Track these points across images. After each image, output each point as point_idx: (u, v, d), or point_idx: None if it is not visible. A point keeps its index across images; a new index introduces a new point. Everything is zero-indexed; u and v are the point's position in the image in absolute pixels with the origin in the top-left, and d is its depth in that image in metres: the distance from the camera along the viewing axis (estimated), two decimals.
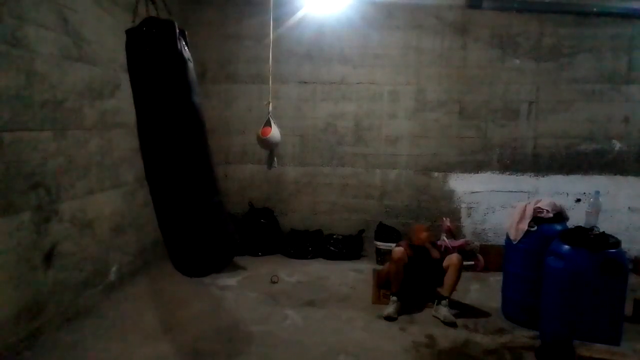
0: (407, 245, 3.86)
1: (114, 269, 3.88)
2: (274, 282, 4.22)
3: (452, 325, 3.37)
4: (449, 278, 3.60)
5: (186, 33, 2.51)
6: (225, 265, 2.96)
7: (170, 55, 2.35)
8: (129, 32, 2.40)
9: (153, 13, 2.49)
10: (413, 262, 3.78)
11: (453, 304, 3.64)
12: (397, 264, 3.61)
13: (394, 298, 3.59)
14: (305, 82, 5.20)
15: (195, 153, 2.50)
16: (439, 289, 3.64)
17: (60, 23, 3.13)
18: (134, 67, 2.43)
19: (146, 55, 2.34)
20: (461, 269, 3.63)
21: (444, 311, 3.47)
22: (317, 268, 4.73)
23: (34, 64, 2.89)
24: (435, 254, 3.92)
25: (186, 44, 2.48)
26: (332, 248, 5.04)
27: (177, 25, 2.40)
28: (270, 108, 4.18)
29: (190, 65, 2.46)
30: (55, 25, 3.08)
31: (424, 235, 3.92)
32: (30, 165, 2.89)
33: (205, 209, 2.49)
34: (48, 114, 3.03)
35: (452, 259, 3.65)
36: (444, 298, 3.55)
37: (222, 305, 3.72)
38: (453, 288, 3.63)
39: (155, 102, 2.39)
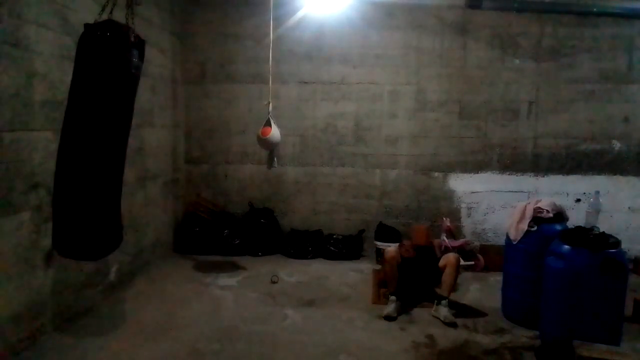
0: (411, 245, 3.86)
1: (114, 269, 3.88)
2: (274, 282, 4.21)
3: (453, 325, 3.37)
4: (447, 277, 3.60)
5: (145, 44, 2.51)
6: (104, 254, 2.83)
7: (115, 63, 2.35)
8: (87, 27, 2.38)
9: (139, 12, 2.47)
10: (416, 263, 3.78)
11: (452, 304, 3.63)
12: (390, 263, 3.63)
13: (393, 298, 3.59)
14: (305, 82, 5.20)
15: (113, 155, 2.49)
16: (437, 289, 3.64)
17: (60, 23, 3.12)
18: (79, 63, 2.41)
19: (92, 57, 2.34)
20: (459, 267, 3.64)
21: (444, 311, 3.46)
22: (317, 268, 4.73)
23: (34, 64, 2.89)
24: (439, 254, 3.94)
25: (141, 54, 2.47)
26: (332, 248, 5.04)
27: (133, 35, 2.38)
28: (270, 108, 4.18)
29: (135, 77, 2.46)
30: (55, 25, 3.07)
31: (423, 238, 3.94)
32: (30, 165, 2.89)
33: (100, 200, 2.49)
34: (48, 114, 3.03)
35: (450, 258, 3.65)
36: (444, 298, 3.54)
37: (222, 305, 3.72)
38: (452, 287, 3.63)
39: (87, 105, 2.37)
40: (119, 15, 2.50)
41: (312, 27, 5.05)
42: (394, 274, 3.64)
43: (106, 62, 2.34)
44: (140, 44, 2.46)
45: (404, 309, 3.60)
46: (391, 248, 3.77)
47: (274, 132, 4.16)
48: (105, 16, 2.44)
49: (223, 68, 5.25)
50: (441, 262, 3.69)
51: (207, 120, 5.33)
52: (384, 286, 3.85)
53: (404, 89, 5.10)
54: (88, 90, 2.37)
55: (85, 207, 2.44)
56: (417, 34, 5.01)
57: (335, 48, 5.11)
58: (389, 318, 3.46)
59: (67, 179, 2.45)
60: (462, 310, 3.66)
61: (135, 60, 2.43)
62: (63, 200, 2.46)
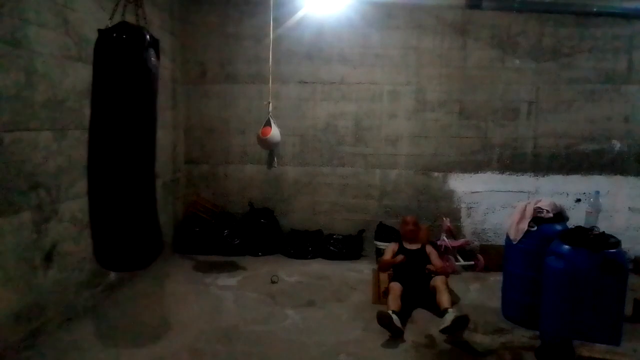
0: (399, 246, 4.03)
1: None
2: (274, 282, 4.22)
3: (465, 319, 3.13)
4: (442, 296, 3.43)
5: (159, 42, 2.51)
6: (147, 264, 2.85)
7: (135, 63, 2.35)
8: (101, 32, 2.39)
9: (134, 16, 2.48)
10: (405, 266, 3.84)
11: (453, 304, 3.62)
12: (394, 294, 3.52)
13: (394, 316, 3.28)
14: (305, 82, 5.20)
15: (141, 161, 2.48)
16: (439, 307, 3.40)
17: (60, 23, 3.13)
18: (98, 67, 2.41)
19: (111, 60, 2.34)
20: (446, 282, 3.65)
21: (451, 316, 3.18)
22: (317, 268, 4.73)
23: (34, 64, 2.89)
24: (434, 257, 3.98)
25: (157, 53, 2.47)
26: (332, 248, 5.04)
27: (148, 35, 2.39)
28: (270, 108, 4.18)
29: (154, 76, 2.46)
30: (55, 25, 3.08)
31: (409, 230, 4.09)
32: (30, 165, 2.89)
33: (137, 210, 2.48)
34: (48, 114, 3.03)
35: (436, 281, 3.61)
36: (448, 309, 3.30)
37: (222, 305, 3.72)
38: (451, 300, 3.45)
39: (111, 107, 2.38)
40: (116, 18, 2.49)
41: (312, 27, 5.05)
42: (398, 301, 3.45)
43: (126, 63, 2.34)
44: (155, 43, 2.47)
45: (405, 320, 3.45)
46: (395, 285, 3.61)
47: (274, 132, 4.17)
48: (116, 19, 2.44)
49: (223, 68, 5.25)
50: (431, 283, 3.64)
51: (207, 120, 5.33)
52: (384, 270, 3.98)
53: (404, 89, 5.10)
54: (111, 94, 2.37)
55: (128, 212, 2.43)
56: (417, 34, 5.01)
57: (335, 48, 5.11)
58: (396, 331, 3.19)
59: (102, 187, 2.44)
60: (462, 311, 3.65)
61: (153, 59, 2.44)
62: (102, 209, 2.45)
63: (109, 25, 2.38)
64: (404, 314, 3.46)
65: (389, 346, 3.10)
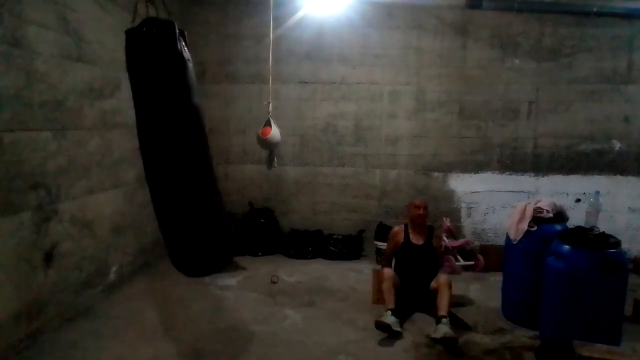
0: (404, 238, 3.77)
1: (114, 269, 3.88)
2: (274, 282, 4.21)
3: (453, 340, 3.07)
4: (442, 299, 3.36)
5: (185, 34, 2.51)
6: (225, 264, 2.95)
7: (171, 55, 2.35)
8: (128, 33, 2.40)
9: (152, 13, 2.49)
10: (408, 263, 3.73)
11: (453, 304, 3.62)
12: (388, 283, 3.47)
13: (390, 314, 3.29)
14: (305, 82, 5.20)
15: (195, 153, 2.50)
16: (436, 311, 3.36)
17: (60, 23, 3.13)
18: (133, 67, 2.43)
19: (146, 56, 2.34)
20: (450, 287, 3.44)
21: (443, 329, 3.14)
22: (317, 268, 4.73)
23: (34, 64, 2.89)
24: (436, 242, 3.82)
25: (186, 44, 2.47)
26: (332, 248, 5.05)
27: (176, 26, 2.39)
28: (270, 108, 4.18)
29: (190, 65, 2.46)
30: (55, 25, 3.08)
31: (418, 215, 3.76)
32: (30, 165, 2.89)
33: (206, 208, 2.49)
34: (48, 114, 3.03)
35: (440, 280, 3.48)
36: (443, 317, 3.25)
37: (222, 305, 3.72)
38: (449, 307, 3.37)
39: (155, 102, 2.39)
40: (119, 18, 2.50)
41: (312, 27, 5.05)
42: (392, 294, 3.43)
43: (161, 56, 2.33)
44: (183, 34, 2.46)
45: (403, 318, 3.44)
46: (389, 271, 3.59)
47: (274, 132, 4.16)
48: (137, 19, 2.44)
49: (223, 68, 5.25)
50: (433, 284, 3.54)
51: (207, 120, 5.30)
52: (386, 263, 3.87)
53: (404, 89, 5.10)
54: (153, 89, 2.37)
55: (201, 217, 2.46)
56: (417, 34, 5.01)
57: (335, 48, 5.11)
58: (394, 333, 3.18)
59: (166, 185, 2.46)
60: (462, 311, 3.66)
61: (185, 49, 2.44)
62: (168, 215, 2.48)
63: (134, 25, 2.38)
64: (402, 312, 3.43)
65: (389, 346, 3.10)
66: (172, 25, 2.37)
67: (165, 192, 2.47)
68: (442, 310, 3.30)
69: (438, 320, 3.24)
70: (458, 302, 3.79)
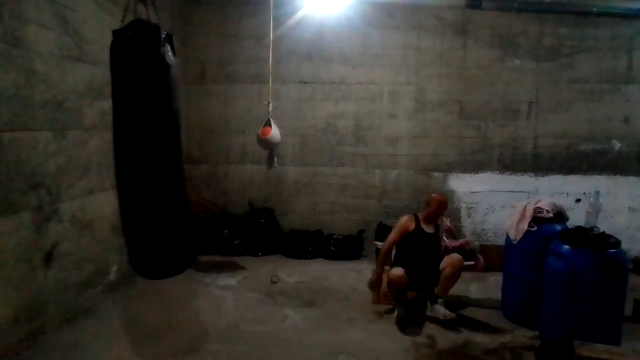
0: (415, 226, 3.64)
1: (114, 269, 3.88)
2: (274, 282, 4.21)
3: (453, 321, 3.22)
4: (448, 280, 3.44)
5: (173, 38, 2.51)
6: (185, 267, 2.84)
7: (153, 60, 2.34)
8: (115, 33, 2.39)
9: (149, 13, 2.47)
10: (416, 251, 3.62)
11: (453, 304, 3.63)
12: (396, 287, 3.43)
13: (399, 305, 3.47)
14: (305, 82, 5.20)
15: (167, 158, 2.47)
16: (435, 289, 3.49)
17: (60, 23, 3.13)
18: (116, 68, 2.42)
19: (129, 58, 2.34)
20: (461, 270, 3.49)
21: (441, 309, 3.39)
22: (317, 268, 4.73)
23: (34, 64, 2.89)
24: (441, 234, 3.80)
25: (172, 49, 2.47)
26: (332, 248, 5.04)
27: (162, 30, 2.38)
28: (270, 108, 4.18)
29: (173, 71, 2.45)
30: (55, 25, 3.08)
31: (439, 213, 3.67)
32: (30, 165, 2.89)
33: (172, 212, 2.46)
34: (48, 114, 3.03)
35: (454, 259, 3.46)
36: (440, 297, 3.45)
37: (222, 305, 3.72)
38: (449, 290, 3.49)
39: (133, 105, 2.37)
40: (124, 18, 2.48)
41: (312, 27, 5.05)
42: (401, 292, 3.46)
43: (145, 60, 2.34)
44: (170, 39, 2.46)
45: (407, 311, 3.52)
46: (397, 271, 3.42)
47: (274, 132, 4.16)
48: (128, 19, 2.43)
49: (223, 68, 5.25)
50: (443, 263, 3.50)
51: (207, 120, 5.33)
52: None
53: (404, 89, 5.10)
54: (132, 92, 2.38)
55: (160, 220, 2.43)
56: (417, 34, 5.01)
57: (335, 48, 5.11)
58: (401, 320, 3.37)
59: (133, 190, 2.44)
60: (462, 310, 3.66)
61: (170, 54, 2.44)
62: (133, 216, 2.45)
63: (123, 25, 2.38)
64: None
65: (389, 346, 3.10)
66: (157, 29, 2.36)
67: (134, 194, 2.44)
68: (442, 291, 3.46)
69: (434, 300, 3.42)
70: (458, 302, 3.79)
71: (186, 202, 2.63)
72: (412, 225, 3.66)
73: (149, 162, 2.39)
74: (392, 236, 3.69)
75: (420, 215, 3.72)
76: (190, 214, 2.66)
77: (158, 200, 2.41)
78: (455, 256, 3.53)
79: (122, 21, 2.40)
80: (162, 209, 2.43)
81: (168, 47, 2.43)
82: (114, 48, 2.41)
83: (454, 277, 3.47)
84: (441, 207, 3.70)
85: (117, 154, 2.48)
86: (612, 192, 4.92)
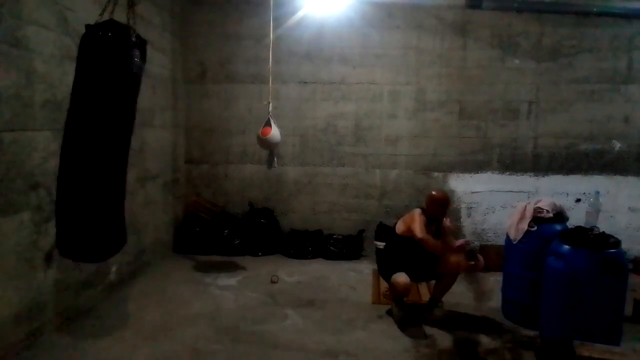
0: (423, 215, 3.49)
1: (114, 269, 3.88)
2: (274, 282, 4.22)
3: (453, 321, 3.27)
4: (448, 280, 3.46)
5: (147, 43, 2.50)
6: (112, 254, 2.76)
7: (117, 63, 2.33)
8: (88, 28, 2.37)
9: (141, 12, 2.45)
10: (416, 251, 3.50)
11: (453, 305, 3.63)
12: (401, 293, 3.41)
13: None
14: (305, 82, 5.20)
15: (114, 155, 2.47)
16: (433, 291, 3.52)
17: (60, 23, 3.12)
18: (81, 64, 2.40)
19: (94, 56, 2.33)
20: (459, 272, 3.42)
21: (440, 310, 3.44)
22: (317, 268, 4.73)
23: (34, 64, 2.88)
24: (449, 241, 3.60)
25: (143, 54, 2.46)
26: (332, 248, 5.04)
27: (134, 34, 2.37)
28: (270, 108, 4.18)
29: (136, 76, 2.44)
30: (55, 25, 3.07)
31: (441, 212, 3.52)
32: (30, 165, 2.89)
33: (110, 205, 2.48)
34: (48, 114, 3.03)
35: (460, 261, 3.32)
36: (438, 301, 3.52)
37: (222, 305, 3.72)
38: (447, 290, 3.52)
39: (89, 102, 2.36)
40: (120, 16, 2.49)
41: (312, 27, 5.05)
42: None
43: (108, 61, 2.33)
44: (141, 44, 2.45)
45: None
46: (401, 277, 3.36)
47: (274, 132, 4.17)
48: (106, 17, 2.43)
49: (223, 68, 5.26)
50: (443, 263, 3.43)
51: (207, 120, 5.33)
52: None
53: (404, 89, 5.10)
54: (90, 90, 2.37)
55: (88, 207, 2.42)
56: (417, 34, 5.02)
57: (335, 48, 5.12)
58: (402, 320, 3.40)
59: (70, 179, 2.43)
60: (462, 310, 3.66)
61: (137, 60, 2.42)
62: (66, 201, 2.45)
63: (98, 21, 2.37)
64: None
65: (389, 346, 3.10)
66: (127, 32, 2.35)
67: (75, 186, 2.42)
68: (439, 293, 3.57)
69: (435, 305, 3.55)
70: (458, 301, 3.79)
71: (123, 197, 2.62)
72: (425, 219, 3.49)
73: (97, 157, 2.38)
74: (419, 225, 3.42)
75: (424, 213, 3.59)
76: (123, 211, 2.65)
77: (99, 193, 2.41)
78: (454, 258, 3.42)
79: (100, 15, 2.39)
80: (101, 201, 2.42)
81: (137, 52, 2.41)
82: (83, 42, 2.38)
83: (454, 279, 3.48)
84: (436, 204, 3.51)
85: (64, 146, 2.45)
86: (612, 192, 4.92)
